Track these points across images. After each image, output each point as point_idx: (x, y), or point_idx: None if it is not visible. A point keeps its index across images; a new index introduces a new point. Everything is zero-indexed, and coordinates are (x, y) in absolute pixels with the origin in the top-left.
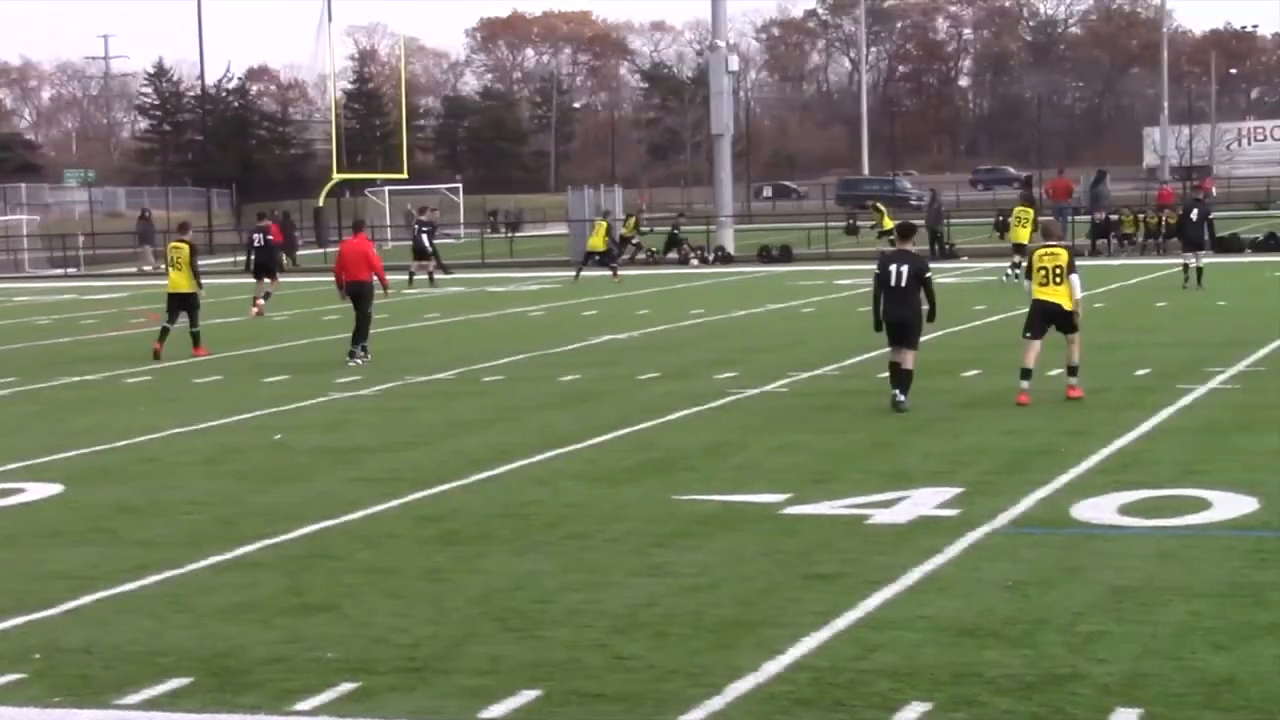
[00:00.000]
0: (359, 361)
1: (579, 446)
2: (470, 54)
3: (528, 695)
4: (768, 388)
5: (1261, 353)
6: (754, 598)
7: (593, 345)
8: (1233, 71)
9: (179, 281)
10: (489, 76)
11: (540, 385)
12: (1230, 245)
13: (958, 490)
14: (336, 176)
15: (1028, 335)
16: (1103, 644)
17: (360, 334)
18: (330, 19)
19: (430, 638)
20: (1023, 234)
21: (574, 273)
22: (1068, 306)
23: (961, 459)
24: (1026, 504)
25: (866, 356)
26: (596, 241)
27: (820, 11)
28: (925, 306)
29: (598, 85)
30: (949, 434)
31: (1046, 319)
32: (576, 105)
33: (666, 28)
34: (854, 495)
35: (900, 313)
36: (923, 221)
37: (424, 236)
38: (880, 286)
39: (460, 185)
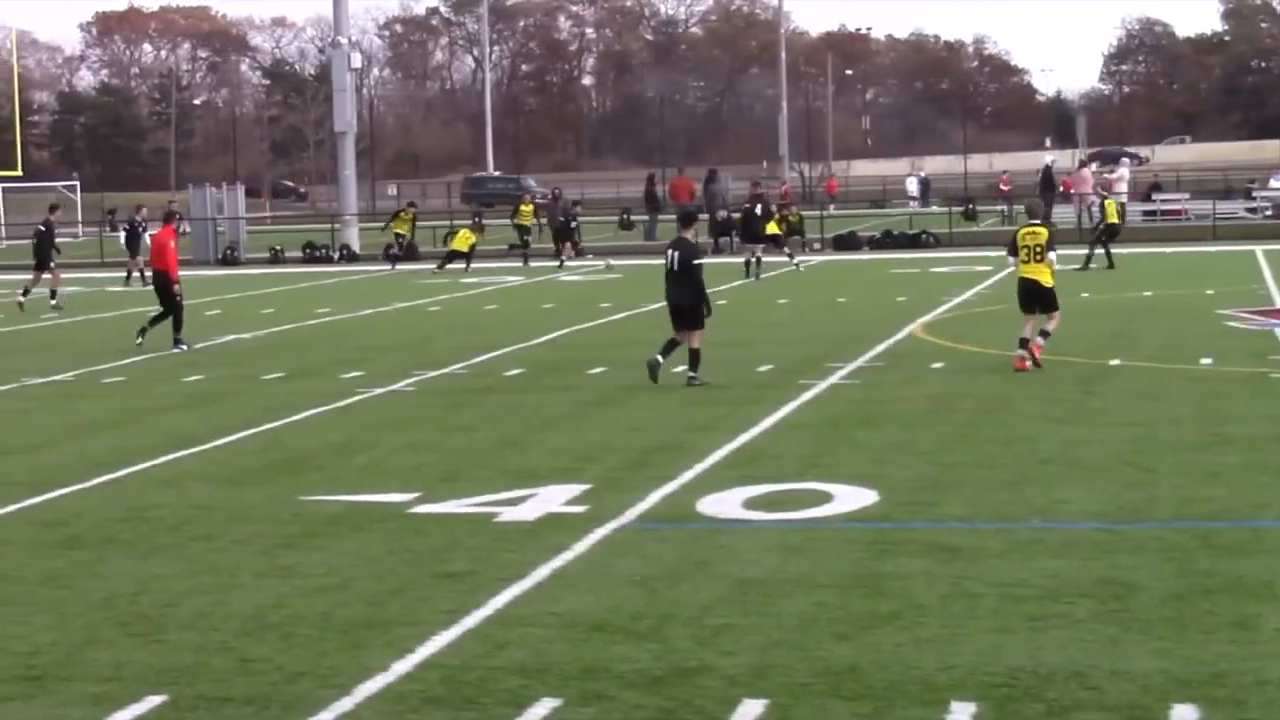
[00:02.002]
0: None
1: (204, 447)
2: (86, 49)
3: (153, 701)
4: (394, 387)
5: (880, 348)
6: (383, 597)
7: (217, 345)
8: (849, 72)
9: None
10: (105, 72)
11: (164, 386)
12: (849, 243)
13: (585, 487)
14: None
15: (1024, 310)
16: (729, 636)
17: None
18: None
19: (50, 645)
20: None
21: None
22: (1046, 283)
23: (588, 456)
24: (653, 499)
25: (493, 355)
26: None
27: (443, 9)
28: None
29: (218, 81)
30: (575, 431)
31: (1029, 295)
32: (197, 102)
33: (288, 24)
34: (482, 493)
35: (677, 296)
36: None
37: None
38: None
39: (77, 183)
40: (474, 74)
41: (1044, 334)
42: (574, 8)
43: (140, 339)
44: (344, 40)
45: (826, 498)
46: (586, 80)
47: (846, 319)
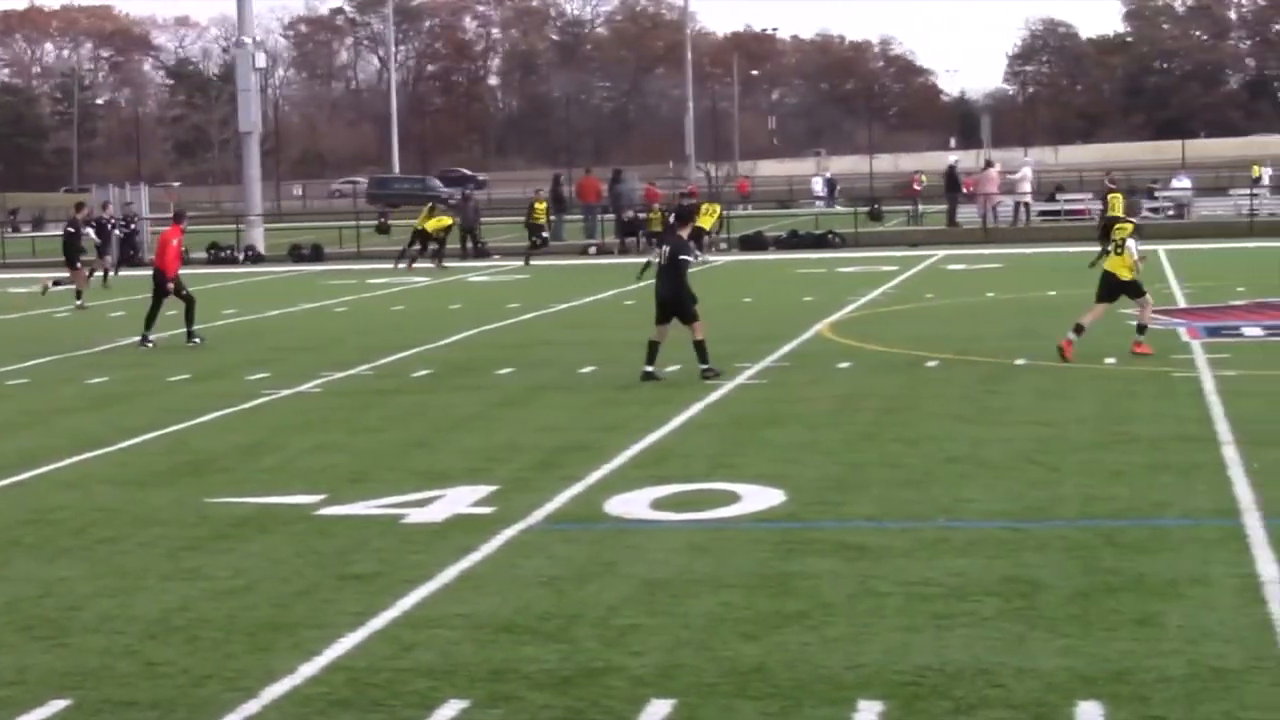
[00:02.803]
0: None
1: (109, 450)
2: None
3: (57, 705)
4: (301, 388)
5: (787, 348)
6: (290, 600)
7: (122, 347)
8: (754, 73)
9: None
10: (7, 71)
11: (68, 388)
12: (755, 243)
13: (493, 488)
14: None
15: (1097, 300)
16: (636, 637)
17: None
18: None
19: None
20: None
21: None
22: (1123, 277)
23: (496, 456)
24: (561, 500)
25: (401, 355)
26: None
27: (348, 9)
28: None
29: (121, 81)
30: (483, 432)
31: (1110, 288)
32: (100, 101)
33: (191, 23)
34: (390, 495)
35: (664, 290)
36: (460, 221)
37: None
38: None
39: None
40: (379, 74)
41: (1140, 329)
42: (480, 8)
43: (149, 343)
44: (248, 40)
45: (734, 498)
46: (492, 80)
47: (753, 319)
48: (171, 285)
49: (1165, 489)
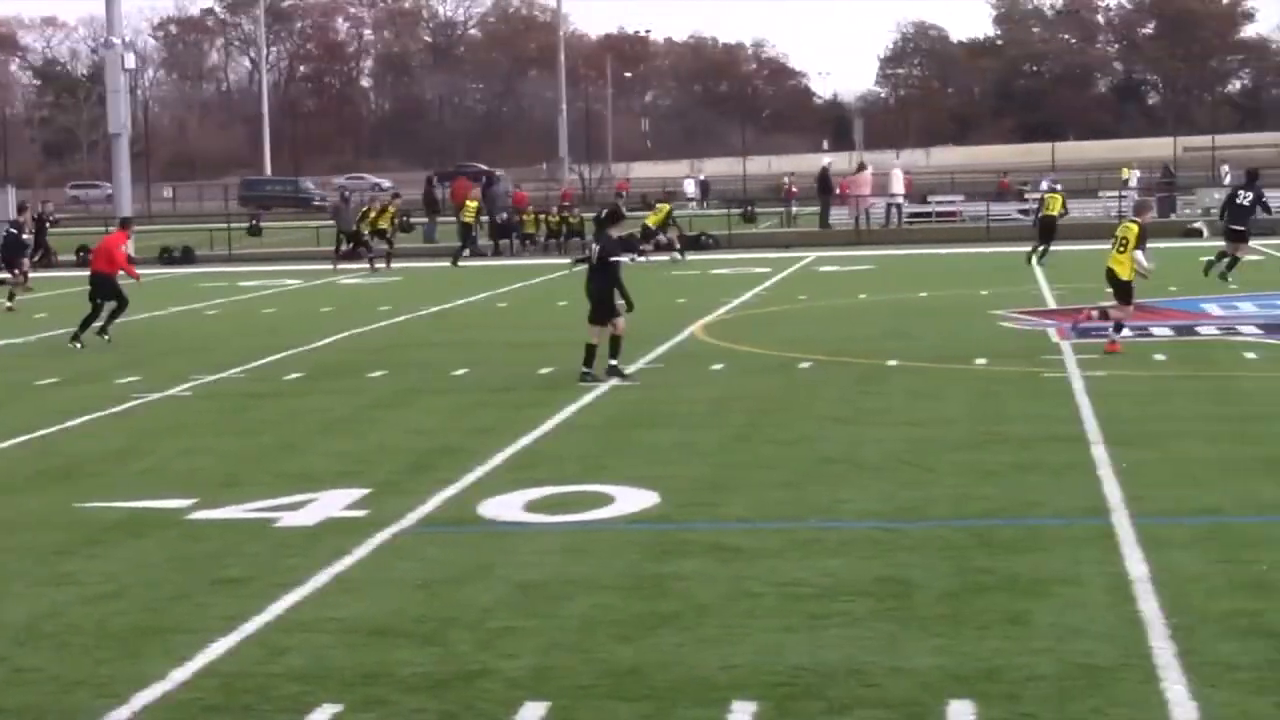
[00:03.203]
0: None
1: None
2: None
3: None
4: (172, 391)
5: (661, 350)
6: (161, 605)
7: None
8: (628, 75)
9: None
10: None
11: None
12: (628, 245)
13: (365, 491)
14: None
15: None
16: (511, 639)
17: None
18: None
19: None
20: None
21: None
22: (1121, 276)
23: (368, 460)
24: (434, 503)
25: (272, 358)
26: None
27: (218, 10)
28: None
29: None
30: (356, 435)
31: (1108, 281)
32: None
33: (59, 23)
34: (261, 498)
35: (594, 287)
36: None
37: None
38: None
39: None
40: (250, 75)
41: (1104, 314)
42: (352, 9)
43: (105, 336)
44: (117, 40)
45: (608, 499)
46: (365, 82)
47: (628, 320)
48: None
49: (1036, 489)
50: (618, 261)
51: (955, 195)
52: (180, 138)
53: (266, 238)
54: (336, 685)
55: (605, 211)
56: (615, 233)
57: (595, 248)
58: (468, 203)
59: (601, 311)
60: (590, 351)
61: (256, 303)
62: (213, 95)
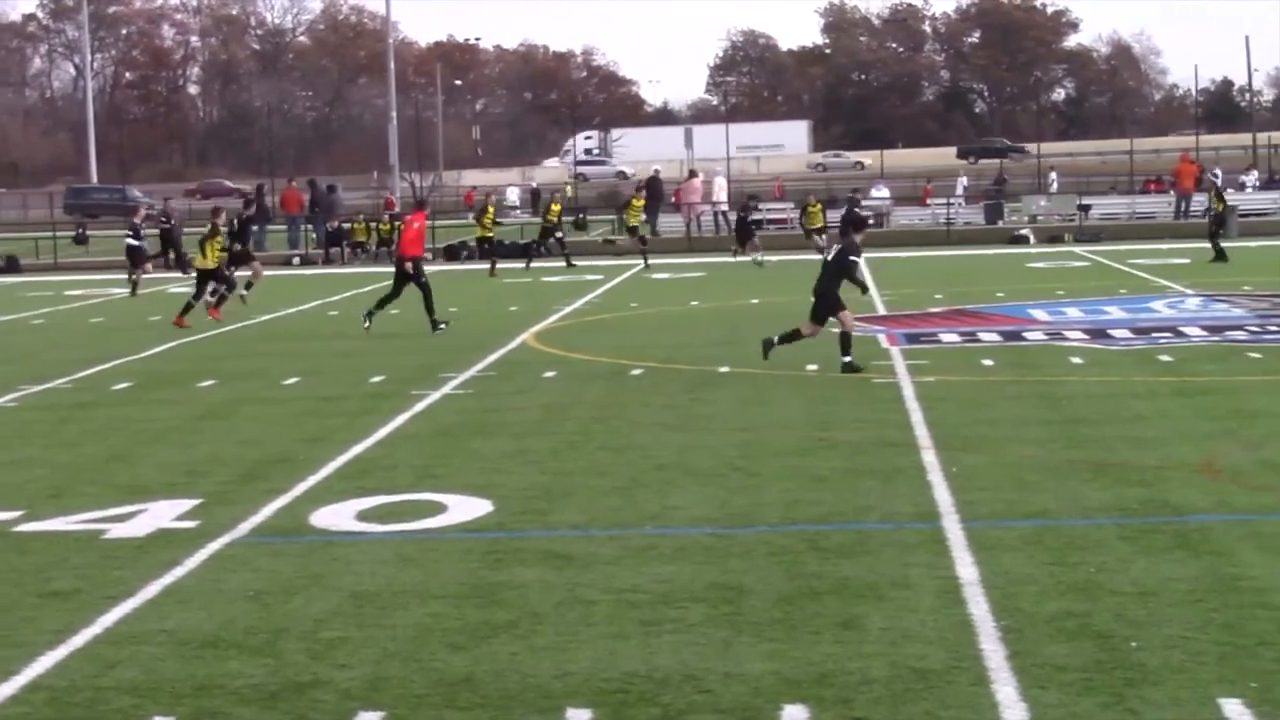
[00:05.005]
0: None
1: None
2: None
3: None
4: None
5: (492, 357)
6: None
7: None
8: (458, 83)
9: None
10: None
11: None
12: (457, 253)
13: (196, 501)
14: None
15: None
16: (344, 649)
17: None
18: None
19: None
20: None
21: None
22: None
23: (198, 470)
24: (266, 513)
25: (100, 368)
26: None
27: (41, 16)
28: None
29: None
30: (185, 445)
31: None
32: None
33: None
34: (90, 510)
35: (820, 286)
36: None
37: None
38: None
39: None
40: (75, 82)
41: None
42: (178, 16)
43: None
44: None
45: (440, 508)
46: (193, 89)
47: (459, 328)
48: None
49: (867, 493)
50: (855, 262)
51: (785, 202)
52: (3, 145)
53: (93, 246)
54: (168, 697)
55: (850, 215)
56: (859, 238)
57: (835, 248)
58: (553, 206)
59: (823, 308)
60: (844, 340)
61: (83, 312)
62: (36, 102)
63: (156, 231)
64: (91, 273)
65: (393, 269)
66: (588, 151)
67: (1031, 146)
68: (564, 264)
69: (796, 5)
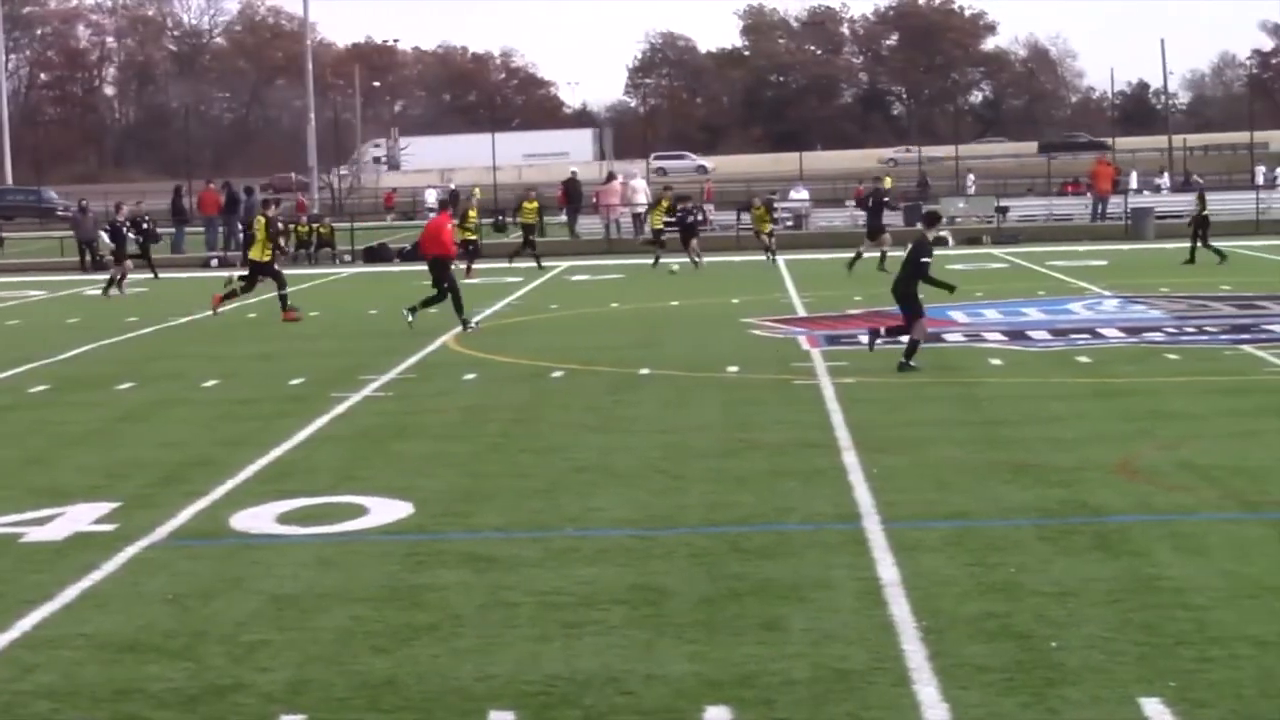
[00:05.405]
0: None
1: None
2: None
3: None
4: None
5: (412, 360)
6: None
7: None
8: (376, 84)
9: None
10: None
11: None
12: (379, 255)
13: (115, 505)
14: None
15: None
16: (265, 653)
17: None
18: None
19: None
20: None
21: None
22: None
23: (117, 473)
24: (185, 516)
25: (16, 370)
26: None
27: None
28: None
29: None
30: (104, 448)
31: None
32: None
33: None
34: (6, 513)
35: (899, 289)
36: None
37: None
38: None
39: None
40: None
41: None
42: (93, 16)
43: None
44: None
45: (361, 511)
46: (109, 90)
47: (379, 331)
48: None
49: (788, 495)
50: (927, 263)
51: (706, 204)
52: None
53: (9, 248)
54: (87, 702)
55: (925, 213)
56: (931, 235)
57: (909, 246)
58: (526, 205)
59: (909, 311)
60: (910, 345)
61: None
62: None
63: (135, 236)
64: (8, 275)
65: (389, 269)
66: (375, 160)
67: (949, 149)
68: (532, 265)
69: (715, 7)
